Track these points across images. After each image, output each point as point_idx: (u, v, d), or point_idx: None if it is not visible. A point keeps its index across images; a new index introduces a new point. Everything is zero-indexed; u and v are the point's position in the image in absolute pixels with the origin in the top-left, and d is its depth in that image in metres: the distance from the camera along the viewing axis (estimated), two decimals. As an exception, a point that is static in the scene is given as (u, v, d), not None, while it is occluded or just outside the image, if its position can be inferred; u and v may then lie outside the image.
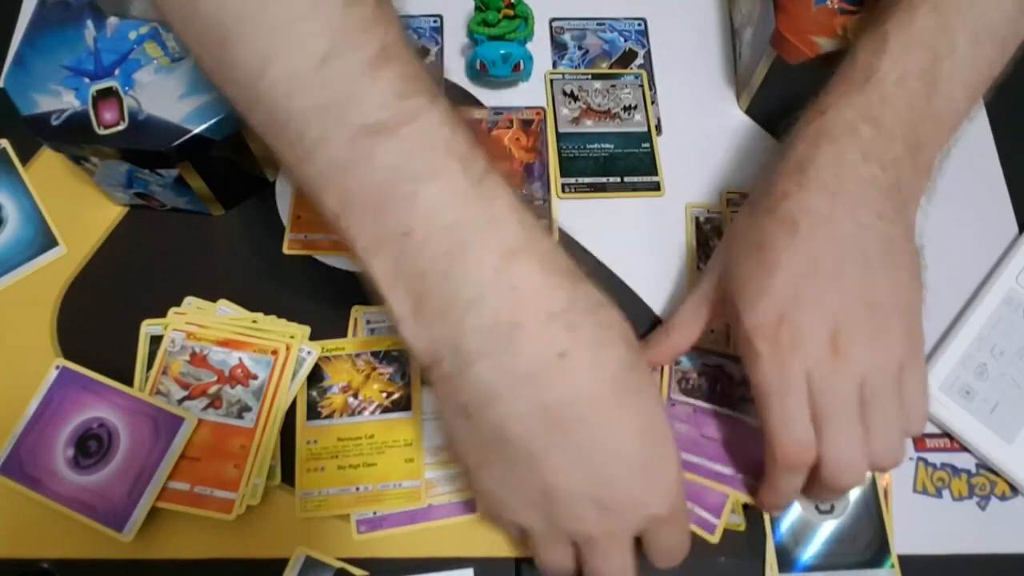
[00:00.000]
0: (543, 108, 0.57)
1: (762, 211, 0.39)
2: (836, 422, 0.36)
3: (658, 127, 0.57)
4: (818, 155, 0.38)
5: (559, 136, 0.55)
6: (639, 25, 0.61)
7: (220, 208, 0.52)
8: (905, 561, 0.44)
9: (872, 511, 0.45)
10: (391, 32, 0.33)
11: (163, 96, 0.45)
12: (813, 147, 0.39)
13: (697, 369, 0.48)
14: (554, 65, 0.59)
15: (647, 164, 0.55)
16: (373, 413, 0.46)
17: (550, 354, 0.31)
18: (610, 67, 0.59)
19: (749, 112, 0.57)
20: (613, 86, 0.58)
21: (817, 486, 0.38)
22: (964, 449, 0.47)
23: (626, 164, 0.55)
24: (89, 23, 0.46)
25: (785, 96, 0.53)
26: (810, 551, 0.44)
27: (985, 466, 0.47)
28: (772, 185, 0.40)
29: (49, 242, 0.51)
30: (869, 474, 0.45)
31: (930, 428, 0.48)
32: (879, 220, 0.37)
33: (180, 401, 0.45)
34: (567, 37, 0.60)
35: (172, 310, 0.48)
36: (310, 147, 0.32)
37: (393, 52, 0.32)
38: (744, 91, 0.57)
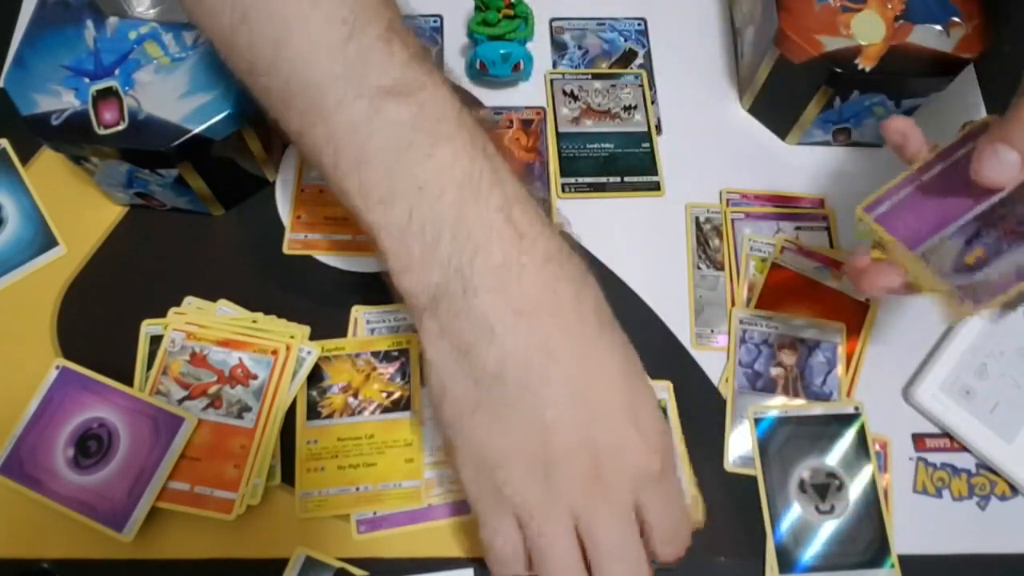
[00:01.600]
0: (543, 108, 0.57)
1: None
2: None
3: (658, 127, 0.57)
4: None
5: (559, 136, 0.55)
6: (639, 25, 0.61)
7: (220, 208, 0.52)
8: (905, 561, 0.44)
9: (872, 511, 0.45)
10: (394, 11, 0.37)
11: (163, 96, 0.45)
12: None
13: None
14: (554, 65, 0.59)
15: (647, 164, 0.55)
16: (373, 413, 0.46)
17: (547, 290, 0.35)
18: (610, 67, 0.59)
19: (752, 111, 0.57)
20: (613, 86, 0.58)
21: None
22: (964, 449, 0.47)
23: (626, 164, 0.55)
24: (89, 23, 0.46)
25: (788, 95, 0.53)
26: (810, 551, 0.44)
27: (985, 466, 0.47)
28: None
29: (49, 242, 0.51)
30: (868, 475, 0.45)
31: (930, 428, 0.48)
32: None
33: (180, 401, 0.45)
34: (567, 37, 0.60)
35: (172, 310, 0.48)
36: (328, 111, 0.34)
37: (398, 28, 0.36)
38: (747, 90, 0.57)
